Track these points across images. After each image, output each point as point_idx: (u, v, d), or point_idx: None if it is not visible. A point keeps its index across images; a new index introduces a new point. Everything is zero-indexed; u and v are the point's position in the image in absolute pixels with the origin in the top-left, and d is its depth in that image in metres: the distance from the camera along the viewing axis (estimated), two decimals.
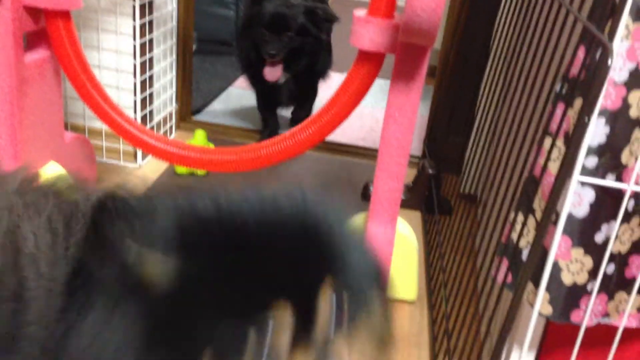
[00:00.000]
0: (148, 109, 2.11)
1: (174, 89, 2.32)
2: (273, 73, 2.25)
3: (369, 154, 2.39)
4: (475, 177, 1.83)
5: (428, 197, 2.07)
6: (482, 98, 1.81)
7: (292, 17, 2.23)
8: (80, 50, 1.61)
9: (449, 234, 1.76)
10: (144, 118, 2.09)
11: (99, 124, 2.04)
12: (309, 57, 2.32)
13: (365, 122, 2.74)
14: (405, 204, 2.10)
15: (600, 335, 1.09)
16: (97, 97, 1.67)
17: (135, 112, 2.05)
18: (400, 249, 1.55)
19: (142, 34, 1.99)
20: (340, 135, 2.55)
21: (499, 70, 1.58)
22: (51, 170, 1.66)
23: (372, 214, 1.48)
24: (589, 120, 0.78)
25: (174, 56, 2.28)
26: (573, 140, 0.81)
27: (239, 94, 2.94)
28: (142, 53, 2.01)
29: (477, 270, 1.42)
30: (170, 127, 2.35)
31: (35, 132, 1.61)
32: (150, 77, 2.09)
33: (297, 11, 2.24)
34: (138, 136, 1.68)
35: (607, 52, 0.76)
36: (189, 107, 2.46)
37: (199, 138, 2.11)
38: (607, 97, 0.87)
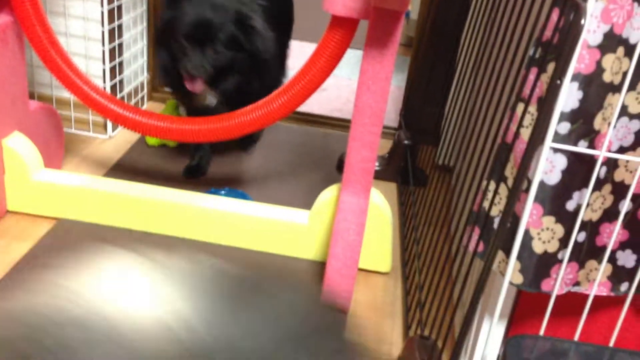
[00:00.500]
0: (118, 78, 2.05)
1: (145, 57, 2.26)
2: (194, 85, 1.73)
3: (346, 125, 2.36)
4: (450, 148, 1.81)
5: (404, 168, 2.05)
6: (458, 68, 1.78)
7: (220, 26, 1.69)
8: (44, 16, 1.56)
9: (424, 205, 1.74)
10: (113, 87, 2.03)
11: (67, 94, 1.99)
12: (245, 76, 1.79)
13: (342, 94, 2.71)
14: (381, 175, 2.08)
15: (571, 304, 1.08)
16: (62, 65, 1.62)
17: (104, 81, 1.99)
18: (374, 219, 1.53)
19: (111, 0, 1.93)
20: (317, 106, 2.52)
21: (474, 38, 1.55)
22: (15, 140, 1.61)
23: (345, 184, 1.46)
24: (561, 82, 0.76)
25: (145, 24, 2.21)
26: (545, 104, 0.79)
27: None
28: (111, 20, 1.95)
29: (450, 240, 1.41)
30: (142, 98, 2.30)
31: None
32: (120, 45, 2.03)
33: (225, 18, 1.70)
34: (107, 106, 1.63)
35: (580, 12, 0.74)
36: None
37: (170, 108, 2.06)
38: (581, 61, 0.85)
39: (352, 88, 2.81)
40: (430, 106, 2.15)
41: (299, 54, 2.62)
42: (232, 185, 1.91)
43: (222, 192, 1.80)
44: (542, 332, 1.04)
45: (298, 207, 1.65)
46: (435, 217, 1.59)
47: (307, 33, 2.54)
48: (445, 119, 1.86)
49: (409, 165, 2.01)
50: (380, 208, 1.53)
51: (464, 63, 1.65)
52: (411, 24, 3.26)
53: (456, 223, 1.31)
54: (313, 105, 2.52)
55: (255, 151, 2.14)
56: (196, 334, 0.36)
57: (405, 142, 2.04)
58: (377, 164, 2.08)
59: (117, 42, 2.01)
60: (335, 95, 2.68)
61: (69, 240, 1.58)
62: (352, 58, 2.81)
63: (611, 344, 1.05)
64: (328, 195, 1.57)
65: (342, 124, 2.40)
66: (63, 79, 1.62)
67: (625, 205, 0.96)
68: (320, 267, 1.61)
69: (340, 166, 2.07)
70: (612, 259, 1.03)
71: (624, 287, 1.05)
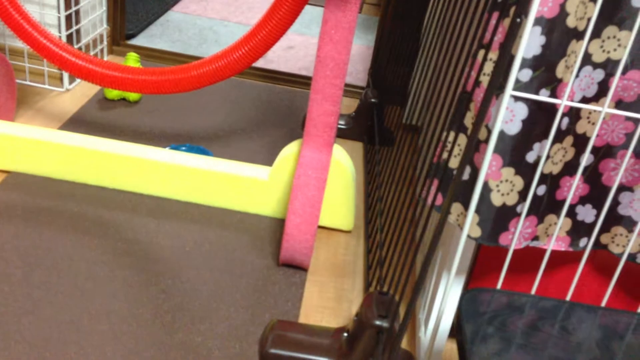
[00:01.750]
0: (74, 27, 1.96)
1: (105, 7, 2.17)
2: None
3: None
4: (417, 107, 1.78)
5: (370, 127, 2.02)
6: (425, 24, 1.74)
7: None
8: None
9: (389, 164, 1.72)
10: (69, 37, 1.95)
11: (20, 44, 1.90)
12: None
13: (309, 52, 2.65)
14: (347, 134, 2.04)
15: (530, 259, 1.07)
16: (13, 12, 1.53)
17: (59, 30, 1.91)
18: (336, 176, 1.50)
19: None
20: (284, 64, 2.46)
21: None
22: None
23: (306, 139, 1.42)
24: (521, 21, 0.72)
25: None
26: (505, 46, 0.75)
27: (179, 19, 2.80)
28: None
29: (412, 196, 1.38)
30: (102, 50, 2.21)
31: None
32: (77, 12, 1.94)
33: None
34: (60, 54, 1.56)
35: None
36: (123, 29, 2.32)
37: (131, 61, 1.99)
38: (544, 4, 0.81)
39: None
40: (398, 65, 2.11)
41: (264, 9, 2.54)
42: (193, 141, 1.86)
43: (183, 148, 1.75)
44: (499, 287, 1.03)
45: (260, 164, 1.61)
46: (399, 175, 1.57)
47: None
48: (413, 78, 1.82)
49: (376, 124, 1.98)
50: (342, 164, 1.50)
51: (431, 17, 1.60)
52: None
53: (418, 180, 1.28)
54: (280, 63, 2.46)
55: (218, 108, 2.09)
56: None
57: (372, 100, 2.00)
58: (343, 122, 2.05)
59: None
60: (302, 53, 2.62)
61: (19, 194, 1.52)
62: (321, 17, 2.75)
63: (568, 298, 1.04)
64: (289, 151, 1.53)
65: (308, 82, 2.35)
66: (15, 27, 1.54)
67: (586, 158, 0.94)
68: (281, 224, 1.58)
69: (304, 124, 2.02)
70: (572, 214, 1.01)
71: (582, 242, 1.04)
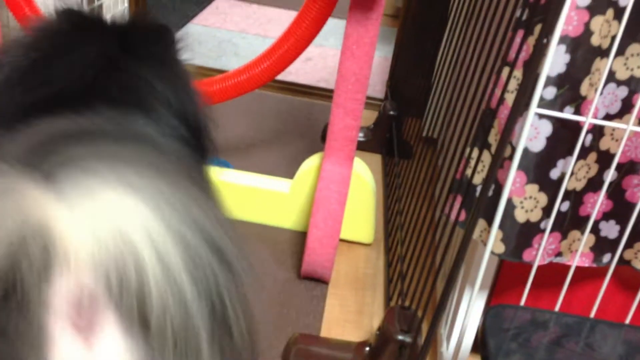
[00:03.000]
0: None
1: (127, 4, 2.20)
2: None
3: (331, 95, 2.32)
4: (436, 120, 1.78)
5: (388, 139, 2.02)
6: (445, 37, 1.75)
7: None
8: None
9: (408, 177, 1.72)
10: None
11: None
12: None
13: (328, 64, 2.66)
14: (366, 146, 2.05)
15: (553, 275, 1.07)
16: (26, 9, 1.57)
17: None
18: (357, 189, 1.51)
19: None
20: (303, 76, 2.48)
21: (462, 4, 1.52)
22: None
23: (327, 152, 1.43)
24: (548, 41, 0.73)
25: None
26: (531, 65, 0.76)
27: (199, 31, 2.83)
28: None
29: (433, 210, 1.38)
30: None
31: None
32: (100, 7, 1.97)
33: None
34: None
35: None
36: None
37: None
38: (569, 22, 0.82)
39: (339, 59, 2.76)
40: (417, 78, 2.12)
41: (282, 21, 2.56)
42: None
43: None
44: (522, 303, 1.03)
45: (281, 177, 1.62)
46: (418, 189, 1.57)
47: (288, 0, 2.49)
48: (432, 90, 1.83)
49: (394, 137, 1.98)
50: (362, 178, 1.51)
51: (451, 31, 1.61)
52: None
53: (438, 194, 1.28)
54: (299, 75, 2.48)
55: (238, 120, 2.11)
56: None
57: (391, 113, 2.01)
58: (362, 135, 2.05)
59: (96, 3, 1.95)
60: (321, 65, 2.63)
61: None
62: (339, 29, 2.77)
63: (592, 315, 1.04)
64: (310, 164, 1.54)
65: (328, 94, 2.36)
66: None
67: (610, 175, 0.94)
68: (301, 236, 1.59)
69: (324, 136, 2.03)
70: (595, 230, 1.01)
71: (606, 258, 1.04)
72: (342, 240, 1.61)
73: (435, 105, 1.73)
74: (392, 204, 1.75)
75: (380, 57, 2.70)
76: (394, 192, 1.79)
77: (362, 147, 2.05)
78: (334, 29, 2.98)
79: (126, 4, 2.18)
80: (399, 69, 2.23)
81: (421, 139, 1.96)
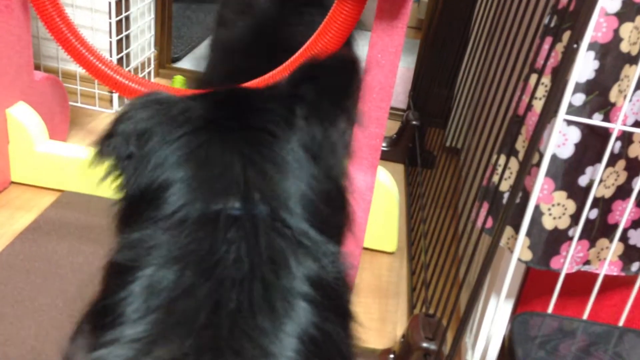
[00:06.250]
0: (124, 51, 2.03)
1: (153, 32, 2.23)
2: None
3: None
4: (459, 130, 1.78)
5: (411, 149, 2.03)
6: (470, 45, 1.75)
7: None
8: None
9: (431, 187, 1.72)
10: (120, 61, 2.01)
11: (73, 67, 1.97)
12: None
13: None
14: (389, 156, 2.06)
15: (580, 283, 1.06)
16: (68, 35, 1.59)
17: (110, 54, 1.97)
18: (380, 198, 1.51)
19: None
20: None
21: (487, 12, 1.52)
22: (20, 110, 1.59)
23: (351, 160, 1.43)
24: (578, 46, 0.73)
25: None
26: (560, 71, 0.76)
27: None
28: None
29: (457, 219, 1.38)
30: (149, 73, 2.27)
31: (1, 69, 1.53)
32: (127, 18, 2.00)
33: None
34: (112, 77, 1.61)
35: None
36: (169, 53, 2.38)
37: (177, 83, 2.04)
38: (598, 29, 0.82)
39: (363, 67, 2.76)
40: (440, 88, 2.12)
41: None
42: None
43: None
44: (550, 311, 1.02)
45: None
46: (442, 198, 1.57)
47: None
48: (454, 100, 1.83)
49: (417, 147, 1.98)
50: (386, 187, 1.51)
51: (476, 39, 1.61)
52: (422, 6, 3.22)
53: (463, 202, 1.28)
54: None
55: None
56: None
57: (414, 122, 2.01)
58: (384, 144, 2.06)
59: (124, 14, 1.98)
60: None
61: (72, 212, 1.57)
62: (364, 38, 2.78)
63: (620, 323, 1.03)
64: None
65: None
66: (70, 50, 1.60)
67: (639, 183, 0.94)
68: None
69: None
70: (624, 238, 1.01)
71: (634, 267, 1.03)
72: (365, 249, 1.61)
73: (459, 115, 1.74)
74: (415, 212, 1.75)
75: (403, 68, 2.71)
76: (417, 200, 1.78)
77: (384, 156, 2.05)
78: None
79: (152, 15, 2.22)
80: (421, 79, 2.23)
81: (444, 148, 1.96)
